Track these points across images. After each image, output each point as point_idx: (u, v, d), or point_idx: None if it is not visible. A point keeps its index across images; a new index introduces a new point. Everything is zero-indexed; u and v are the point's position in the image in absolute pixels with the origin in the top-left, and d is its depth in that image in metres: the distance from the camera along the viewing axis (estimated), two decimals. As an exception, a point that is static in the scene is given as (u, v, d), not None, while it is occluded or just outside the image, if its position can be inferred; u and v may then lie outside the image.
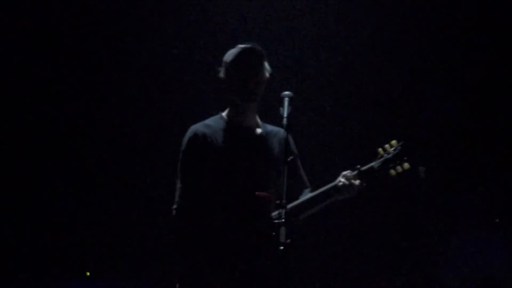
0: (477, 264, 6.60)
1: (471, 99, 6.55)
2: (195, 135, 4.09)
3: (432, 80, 6.56)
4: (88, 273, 6.49)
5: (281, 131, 4.19)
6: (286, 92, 3.92)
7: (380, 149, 4.20)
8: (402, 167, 4.16)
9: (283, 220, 3.55)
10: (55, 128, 6.52)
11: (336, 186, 4.05)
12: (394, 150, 4.18)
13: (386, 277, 6.50)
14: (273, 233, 3.54)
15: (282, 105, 3.87)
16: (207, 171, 4.04)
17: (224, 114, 4.21)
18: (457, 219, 6.70)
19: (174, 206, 4.10)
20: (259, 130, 4.19)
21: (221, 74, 4.15)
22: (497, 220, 6.74)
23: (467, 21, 6.43)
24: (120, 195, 6.50)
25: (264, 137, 4.17)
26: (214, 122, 4.16)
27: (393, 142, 4.21)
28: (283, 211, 3.57)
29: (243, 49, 4.09)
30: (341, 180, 4.05)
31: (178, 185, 4.09)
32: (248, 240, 3.97)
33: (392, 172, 4.16)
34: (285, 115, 3.84)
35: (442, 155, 6.44)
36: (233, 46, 4.16)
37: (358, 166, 4.10)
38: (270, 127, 4.24)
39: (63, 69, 6.47)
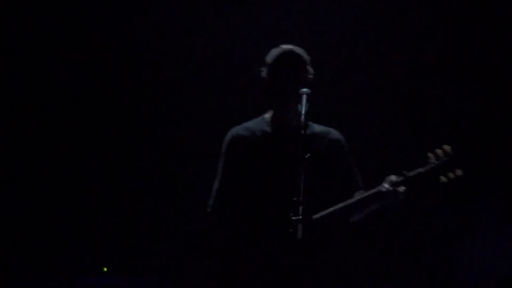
0: (493, 264, 6.34)
1: (489, 99, 6.33)
2: (233, 138, 4.06)
3: (453, 81, 6.35)
4: (105, 269, 6.50)
5: (331, 132, 4.12)
6: (304, 89, 3.81)
7: (430, 154, 3.94)
8: (454, 173, 3.90)
9: (300, 217, 3.45)
10: (82, 127, 6.65)
11: (380, 191, 3.84)
12: (446, 156, 3.92)
13: (402, 276, 6.34)
14: (290, 230, 3.45)
15: (300, 102, 3.77)
16: (244, 174, 3.98)
17: (267, 116, 4.11)
18: (473, 219, 6.44)
19: (208, 209, 4.06)
20: (304, 132, 3.99)
21: (263, 74, 4.06)
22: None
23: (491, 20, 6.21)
24: (150, 193, 6.60)
25: (309, 138, 3.97)
26: (255, 125, 4.09)
27: (446, 147, 3.94)
28: (300, 207, 3.46)
29: (283, 52, 4.00)
30: (384, 185, 3.84)
31: (215, 186, 4.07)
32: (281, 245, 3.82)
33: (443, 178, 3.90)
34: (303, 112, 3.73)
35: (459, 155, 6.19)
36: (276, 45, 4.07)
37: (405, 172, 3.87)
38: (318, 128, 4.11)
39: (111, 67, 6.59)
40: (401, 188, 3.83)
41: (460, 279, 6.38)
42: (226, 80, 6.36)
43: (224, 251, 3.97)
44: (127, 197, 6.60)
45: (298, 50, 4.03)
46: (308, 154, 3.65)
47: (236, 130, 4.09)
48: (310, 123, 4.08)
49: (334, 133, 4.12)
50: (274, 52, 4.04)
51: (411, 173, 3.88)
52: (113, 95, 6.59)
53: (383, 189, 3.83)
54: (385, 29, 6.33)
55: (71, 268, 6.46)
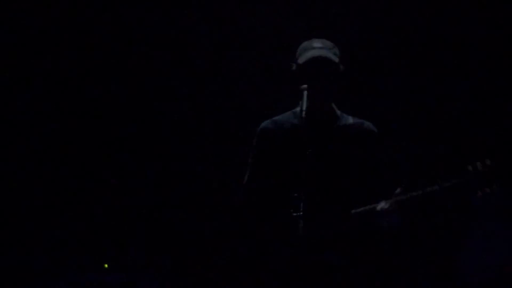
0: (496, 258, 6.23)
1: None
2: (261, 132, 4.03)
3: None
4: (106, 265, 6.45)
5: (365, 123, 4.02)
6: (306, 85, 3.77)
7: (469, 166, 3.73)
8: (491, 188, 3.68)
9: (301, 213, 3.44)
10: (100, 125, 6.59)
11: (373, 209, 3.76)
12: (485, 169, 3.71)
13: (405, 270, 6.25)
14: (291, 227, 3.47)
15: (301, 98, 3.74)
16: (271, 167, 3.93)
17: (298, 108, 3.97)
18: (476, 213, 6.26)
19: (239, 204, 4.03)
20: (335, 124, 3.97)
21: (293, 69, 3.97)
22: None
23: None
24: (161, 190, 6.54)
25: (340, 130, 3.95)
26: (284, 117, 4.04)
27: (487, 160, 3.73)
28: (301, 204, 3.46)
29: (312, 58, 3.87)
30: (381, 204, 3.75)
31: (245, 180, 4.04)
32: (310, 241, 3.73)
33: (479, 193, 3.69)
34: (304, 108, 3.69)
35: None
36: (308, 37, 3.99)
37: (439, 180, 3.69)
38: (352, 120, 4.02)
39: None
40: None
41: (460, 278, 6.30)
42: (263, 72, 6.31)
43: (255, 244, 3.93)
44: (128, 196, 6.58)
45: (329, 52, 3.90)
46: (310, 150, 3.62)
47: (265, 123, 4.06)
48: (344, 114, 4.04)
49: (368, 125, 4.02)
50: (304, 53, 3.93)
51: (446, 183, 3.70)
52: (132, 93, 6.54)
53: (378, 208, 3.76)
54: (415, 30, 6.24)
55: (72, 265, 6.44)
